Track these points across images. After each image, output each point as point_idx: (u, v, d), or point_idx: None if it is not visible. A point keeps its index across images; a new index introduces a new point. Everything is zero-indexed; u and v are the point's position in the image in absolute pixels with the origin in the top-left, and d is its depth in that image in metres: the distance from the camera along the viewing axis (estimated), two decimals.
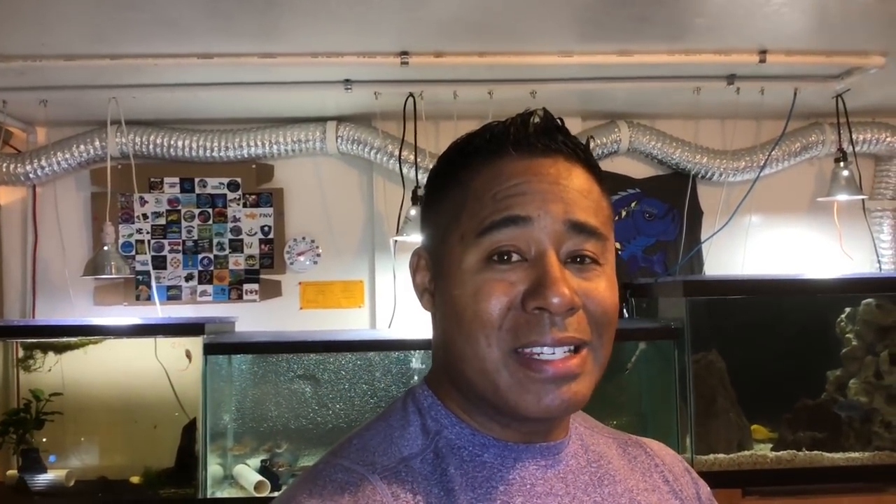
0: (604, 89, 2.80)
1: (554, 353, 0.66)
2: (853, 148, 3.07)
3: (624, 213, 3.20)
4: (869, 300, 2.70)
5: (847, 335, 2.75)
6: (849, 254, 3.19)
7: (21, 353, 2.73)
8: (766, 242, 3.30)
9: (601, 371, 0.71)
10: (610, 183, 0.77)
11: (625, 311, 3.05)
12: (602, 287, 0.69)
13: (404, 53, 2.42)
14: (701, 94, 2.82)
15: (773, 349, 2.75)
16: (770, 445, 2.68)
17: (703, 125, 3.27)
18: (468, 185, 0.71)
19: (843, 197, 2.97)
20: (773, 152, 3.13)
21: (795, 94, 2.84)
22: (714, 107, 3.06)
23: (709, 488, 0.86)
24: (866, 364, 2.67)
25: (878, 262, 3.21)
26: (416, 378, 2.80)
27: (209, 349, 2.54)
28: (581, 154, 0.72)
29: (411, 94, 2.78)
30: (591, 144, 0.73)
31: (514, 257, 0.67)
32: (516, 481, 0.69)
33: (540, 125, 0.71)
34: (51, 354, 2.71)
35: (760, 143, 3.24)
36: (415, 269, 0.76)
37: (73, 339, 2.66)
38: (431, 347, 0.77)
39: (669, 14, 2.19)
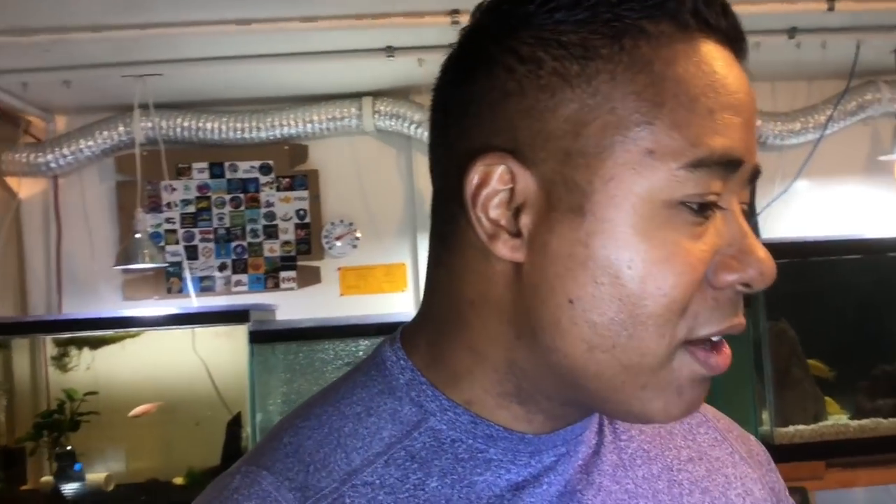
0: None
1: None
2: None
3: None
4: None
5: None
6: None
7: (54, 351, 2.58)
8: (821, 205, 3.20)
9: None
10: None
11: None
12: None
13: (455, 12, 2.28)
14: (758, 51, 2.69)
15: (842, 315, 2.64)
16: (847, 415, 2.56)
17: (753, 88, 3.14)
18: (661, 71, 0.45)
19: None
20: (827, 114, 3.01)
21: (858, 47, 2.71)
22: (765, 67, 2.93)
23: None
24: None
25: None
26: None
27: (255, 337, 2.40)
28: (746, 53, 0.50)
29: None
30: None
31: (709, 212, 0.46)
32: (528, 483, 0.51)
33: None
34: (85, 351, 2.57)
35: (812, 104, 3.13)
36: (479, 185, 0.47)
37: (108, 333, 2.51)
38: (445, 297, 0.52)
39: None
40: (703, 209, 0.45)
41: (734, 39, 0.48)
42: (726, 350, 0.48)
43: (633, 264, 0.45)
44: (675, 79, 0.45)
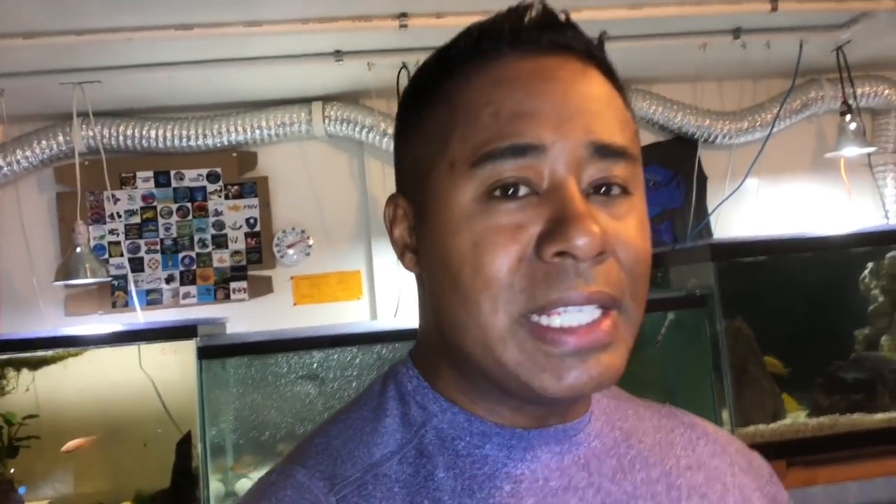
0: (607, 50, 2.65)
1: (581, 313, 0.52)
2: (856, 101, 3.00)
3: None
4: (894, 253, 2.61)
5: (872, 291, 2.66)
6: (856, 208, 3.13)
7: None
8: (771, 203, 3.22)
9: (635, 335, 0.56)
10: None
11: None
12: (633, 227, 0.55)
13: (403, 15, 2.23)
14: (704, 52, 2.70)
15: (796, 312, 2.66)
16: (805, 412, 2.58)
17: (700, 87, 3.17)
18: (457, 99, 0.56)
19: (851, 150, 2.90)
20: (773, 112, 3.04)
21: (801, 46, 2.74)
22: (711, 67, 2.95)
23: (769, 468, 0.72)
24: None
25: (886, 215, 3.15)
26: None
27: (204, 353, 2.31)
28: (597, 53, 0.57)
29: (405, 65, 2.59)
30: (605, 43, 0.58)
31: (522, 190, 0.52)
32: (526, 477, 0.56)
33: (541, 18, 0.56)
34: (24, 372, 2.43)
35: (757, 102, 3.16)
36: (391, 221, 0.62)
37: (48, 353, 2.38)
38: (418, 315, 0.63)
39: None
40: (510, 194, 0.52)
41: (560, 47, 0.56)
42: (581, 333, 0.52)
43: (454, 252, 0.53)
44: (464, 101, 0.55)
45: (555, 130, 0.52)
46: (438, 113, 0.57)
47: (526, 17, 0.56)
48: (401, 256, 0.61)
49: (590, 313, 0.52)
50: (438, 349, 0.59)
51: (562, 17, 0.57)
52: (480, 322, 0.52)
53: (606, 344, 0.53)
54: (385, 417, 0.59)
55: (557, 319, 0.52)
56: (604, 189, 0.54)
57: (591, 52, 0.57)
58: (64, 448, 2.38)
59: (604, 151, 0.53)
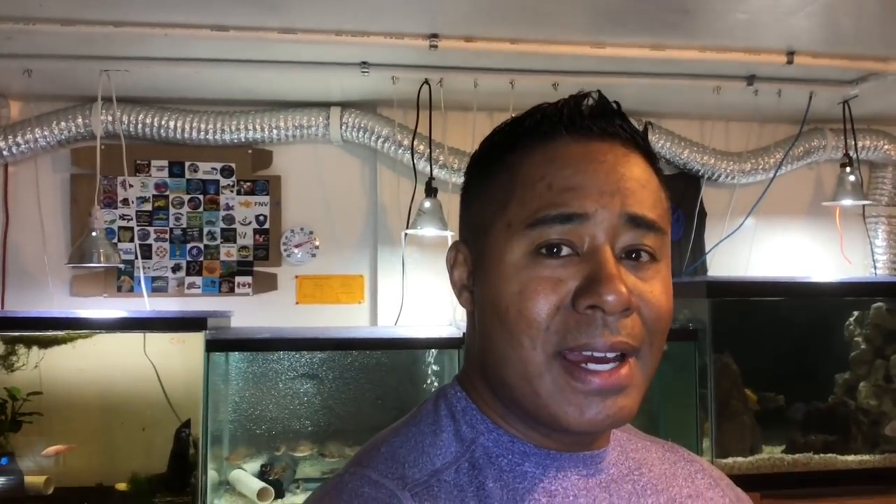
0: (615, 84, 2.71)
1: (605, 357, 0.61)
2: (857, 153, 3.10)
3: None
4: (879, 304, 2.72)
5: (856, 339, 2.77)
6: (847, 258, 3.23)
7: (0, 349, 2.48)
8: (766, 245, 3.31)
9: (649, 381, 0.65)
10: None
11: None
12: (657, 289, 0.64)
13: (434, 36, 2.29)
14: (717, 94, 2.79)
15: (781, 352, 2.75)
16: (782, 447, 2.68)
17: (709, 126, 3.26)
18: (517, 170, 0.66)
19: (848, 201, 3.00)
20: (777, 156, 3.14)
21: (811, 97, 2.84)
22: (722, 108, 3.04)
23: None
24: (876, 367, 2.69)
25: (874, 266, 3.26)
26: (430, 379, 2.68)
27: (212, 346, 2.36)
28: (640, 140, 0.67)
29: (427, 81, 2.65)
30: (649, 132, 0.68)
31: (565, 251, 0.62)
32: (559, 492, 0.65)
33: (595, 107, 0.66)
34: (34, 350, 2.47)
35: (761, 146, 3.24)
36: (452, 265, 0.71)
37: (59, 334, 2.42)
38: (465, 345, 0.75)
39: (713, 5, 2.13)
40: (555, 252, 0.62)
41: (609, 134, 0.66)
42: (603, 376, 0.61)
43: (504, 296, 0.63)
44: (523, 173, 0.65)
45: (596, 201, 0.62)
46: (501, 180, 0.67)
47: (582, 106, 0.66)
48: (458, 295, 0.71)
49: (612, 357, 0.61)
50: (483, 377, 0.68)
51: (613, 106, 0.67)
52: (522, 356, 0.62)
53: (623, 387, 0.62)
54: (441, 433, 0.67)
55: (586, 364, 0.61)
56: (634, 255, 0.64)
57: (636, 140, 0.67)
58: (44, 452, 2.43)
59: (636, 222, 0.63)
